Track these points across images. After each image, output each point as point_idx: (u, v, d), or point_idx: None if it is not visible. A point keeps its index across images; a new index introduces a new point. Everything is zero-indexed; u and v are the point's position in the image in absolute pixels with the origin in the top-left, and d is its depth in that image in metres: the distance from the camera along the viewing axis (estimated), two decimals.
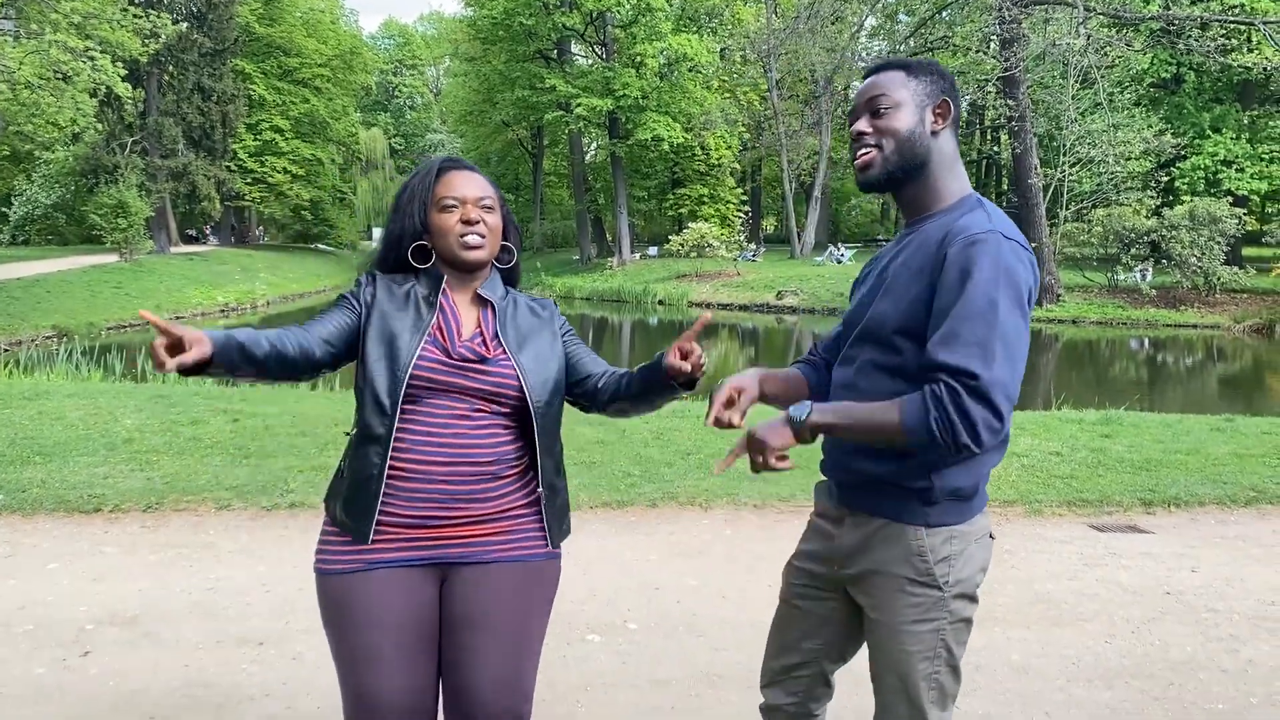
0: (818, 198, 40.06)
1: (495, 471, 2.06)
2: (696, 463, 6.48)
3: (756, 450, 1.93)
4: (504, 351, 2.09)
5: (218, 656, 3.57)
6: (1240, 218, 25.71)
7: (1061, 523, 5.54)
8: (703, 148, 43.58)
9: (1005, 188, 37.08)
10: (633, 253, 42.03)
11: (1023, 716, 3.25)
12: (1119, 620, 4.11)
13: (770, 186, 51.77)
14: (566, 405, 2.24)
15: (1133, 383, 16.93)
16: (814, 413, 1.88)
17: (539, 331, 2.17)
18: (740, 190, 48.14)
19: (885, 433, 1.81)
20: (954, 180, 1.99)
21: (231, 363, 1.86)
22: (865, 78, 2.03)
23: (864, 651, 2.15)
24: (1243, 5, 28.30)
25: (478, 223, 2.10)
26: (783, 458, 1.92)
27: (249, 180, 43.54)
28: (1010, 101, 25.92)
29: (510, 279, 2.26)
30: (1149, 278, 27.03)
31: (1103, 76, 27.81)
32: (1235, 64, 25.94)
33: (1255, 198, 34.37)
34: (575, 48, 43.84)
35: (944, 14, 32.90)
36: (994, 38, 27.77)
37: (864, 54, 40.61)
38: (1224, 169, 32.20)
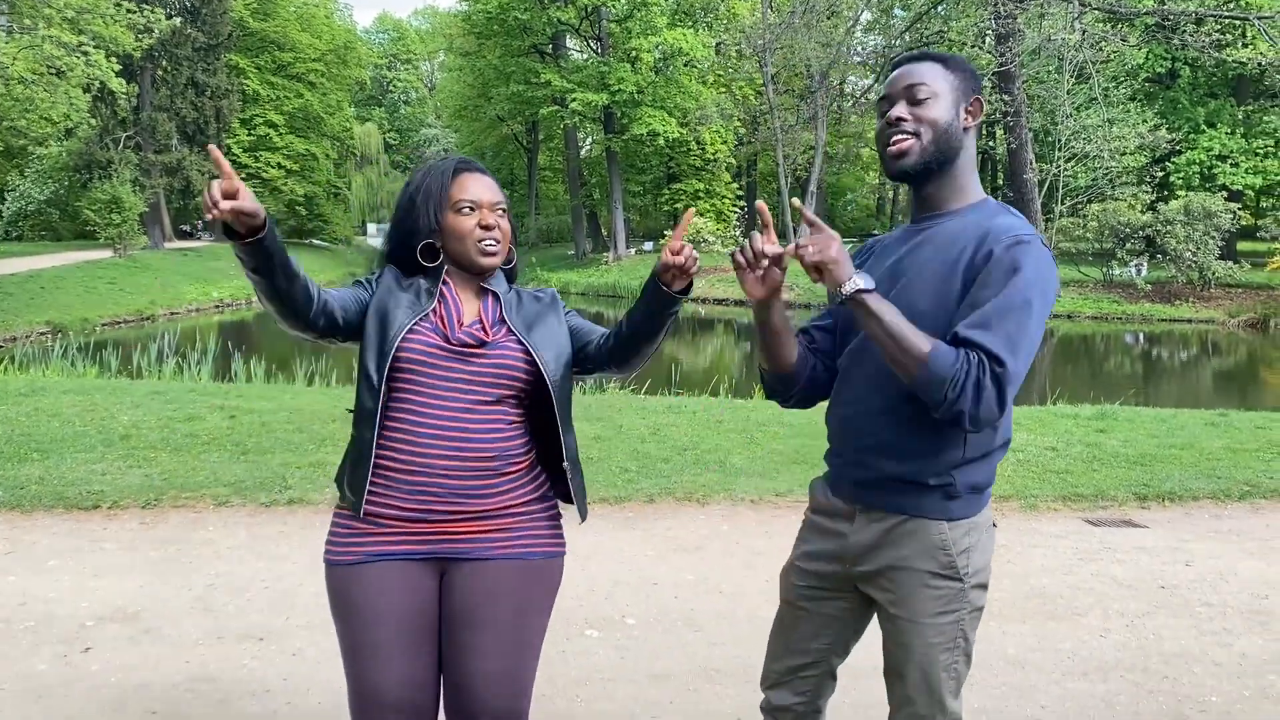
0: (813, 192, 40.02)
1: (498, 468, 2.07)
2: (693, 458, 6.51)
3: (821, 248, 1.82)
4: (509, 335, 2.10)
5: (219, 652, 3.59)
6: (1235, 212, 25.75)
7: (1057, 517, 5.57)
8: (698, 143, 43.53)
9: (1000, 183, 37.11)
10: (628, 248, 42.01)
11: (1018, 710, 3.28)
12: (1113, 614, 4.14)
13: (766, 181, 51.72)
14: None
15: (1128, 378, 16.99)
16: (875, 290, 1.82)
17: (544, 315, 2.19)
18: (736, 185, 48.11)
19: (908, 354, 1.77)
20: (973, 180, 2.01)
21: (273, 251, 1.82)
22: (897, 66, 2.01)
23: (863, 646, 2.17)
24: (1237, 1, 28.34)
25: (494, 228, 2.12)
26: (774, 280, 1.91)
27: (243, 175, 43.16)
28: (1006, 97, 25.97)
29: (510, 277, 2.29)
30: (1144, 273, 27.09)
31: (1098, 71, 27.86)
32: (1230, 59, 26.01)
33: (1250, 192, 34.43)
34: (570, 42, 43.78)
35: (939, 9, 32.94)
36: (989, 33, 27.80)
37: (859, 49, 40.64)
38: (1219, 164, 32.28)
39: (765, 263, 1.90)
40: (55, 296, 22.21)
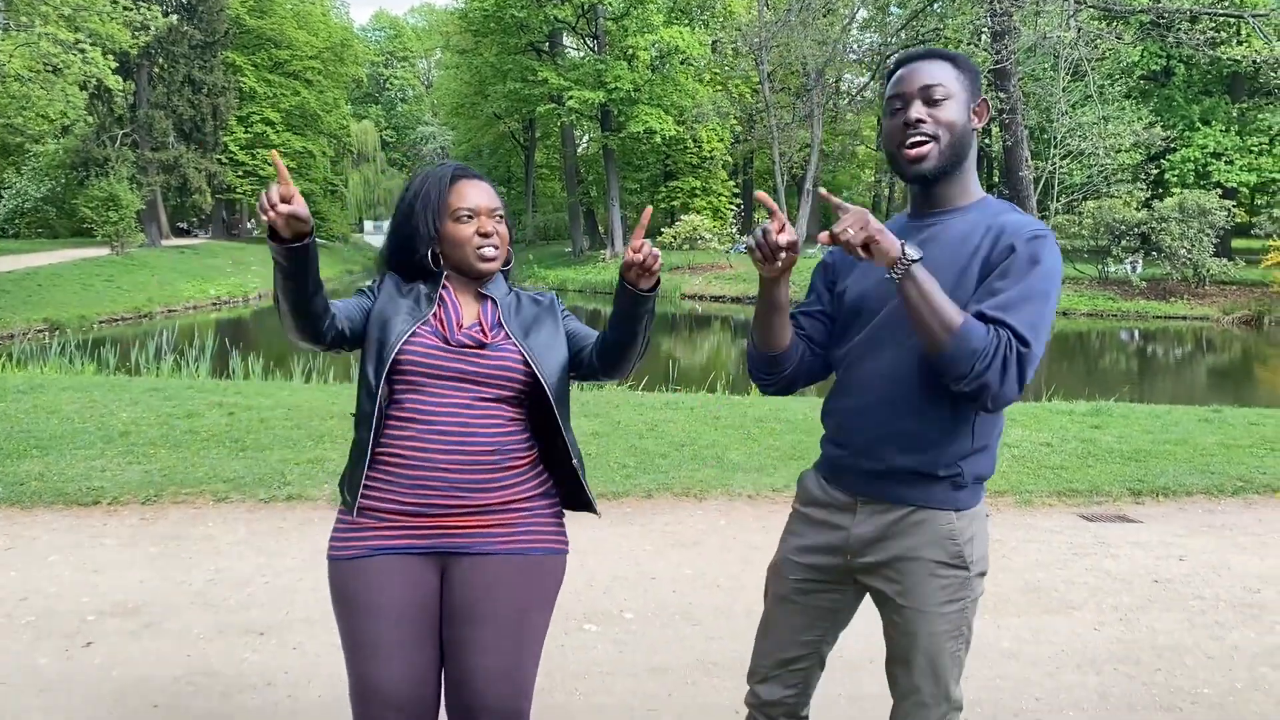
0: (809, 190, 40.07)
1: (498, 462, 2.09)
2: (691, 454, 6.54)
3: (861, 224, 1.78)
4: (506, 338, 2.13)
5: (219, 646, 3.62)
6: (1229, 210, 25.81)
7: (1052, 513, 5.61)
8: (695, 140, 43.55)
9: (996, 180, 37.17)
10: (625, 245, 41.97)
11: (1013, 701, 3.32)
12: (1108, 608, 4.18)
13: (762, 179, 51.76)
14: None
15: (1123, 374, 17.04)
16: (920, 262, 1.82)
17: (542, 319, 2.22)
18: (732, 183, 48.13)
19: (944, 323, 1.77)
20: (974, 177, 2.05)
21: (310, 258, 1.90)
22: (905, 63, 2.00)
23: (858, 639, 2.19)
24: None
25: (492, 235, 2.15)
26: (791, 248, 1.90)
27: (240, 173, 43.39)
28: (1001, 94, 25.98)
29: (507, 277, 2.31)
30: (1139, 270, 27.15)
31: (1093, 69, 27.91)
32: (1224, 57, 26.06)
33: (1244, 190, 34.52)
34: (567, 40, 43.77)
35: (935, 6, 32.94)
36: (985, 30, 27.82)
37: (855, 46, 40.65)
38: (1213, 161, 32.34)
39: (783, 255, 1.92)
40: (52, 294, 22.19)
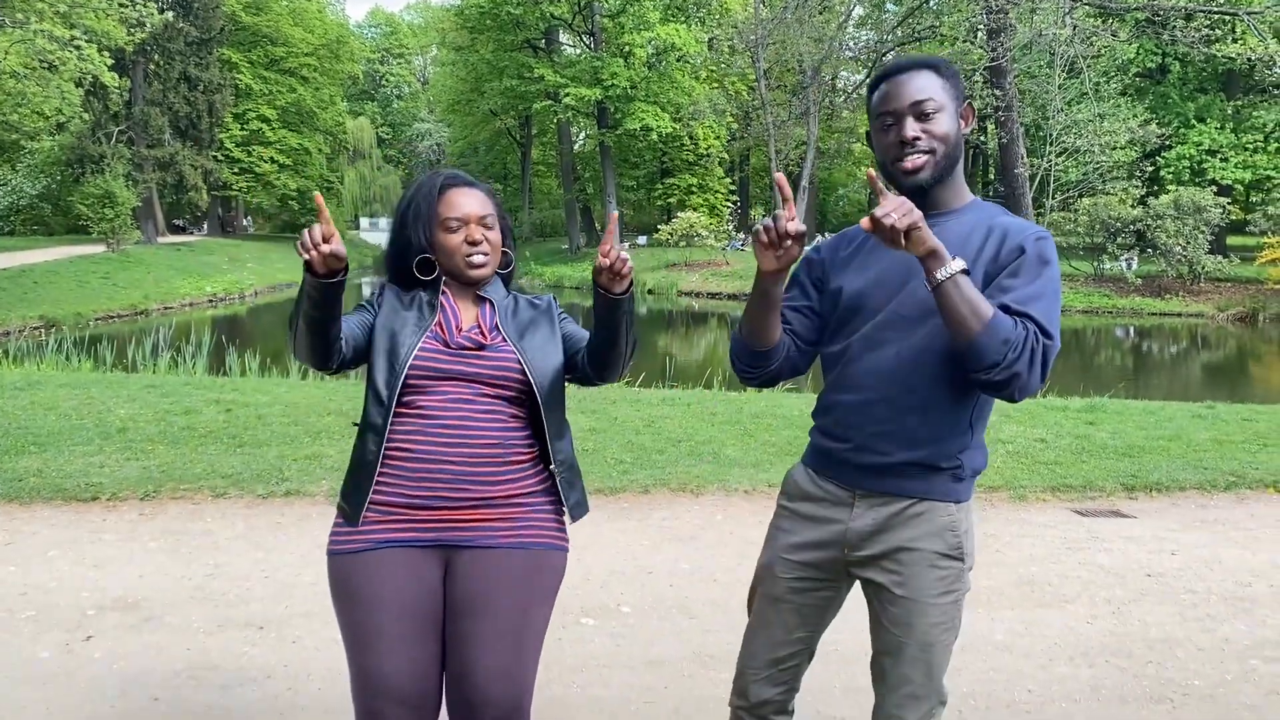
0: (805, 187, 40.07)
1: (501, 455, 2.11)
2: (687, 450, 6.57)
3: (905, 211, 1.78)
4: (503, 341, 2.16)
5: (219, 640, 3.64)
6: (1224, 207, 25.86)
7: (1046, 508, 5.65)
8: (691, 137, 43.58)
9: (992, 177, 37.23)
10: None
11: (1006, 693, 3.35)
12: (1100, 601, 4.21)
13: (758, 176, 51.81)
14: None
15: (1117, 371, 17.09)
16: (960, 267, 1.83)
17: (538, 322, 2.25)
18: (729, 180, 48.17)
19: (976, 313, 1.80)
20: (963, 179, 2.08)
21: (339, 293, 1.96)
22: (888, 75, 2.02)
23: (854, 632, 2.22)
24: None
25: (481, 242, 2.18)
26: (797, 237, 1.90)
27: (236, 170, 43.35)
28: (997, 91, 25.98)
29: (507, 281, 2.34)
30: (1134, 267, 27.21)
31: (1089, 66, 27.93)
32: (1219, 54, 26.07)
33: (1239, 187, 34.59)
34: (563, 37, 43.76)
35: (931, 3, 32.98)
36: (981, 27, 27.84)
37: (851, 44, 40.66)
38: (1208, 158, 32.40)
39: (789, 243, 1.92)
40: (48, 291, 22.16)
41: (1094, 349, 20.80)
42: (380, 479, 2.09)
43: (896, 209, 1.77)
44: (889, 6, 39.63)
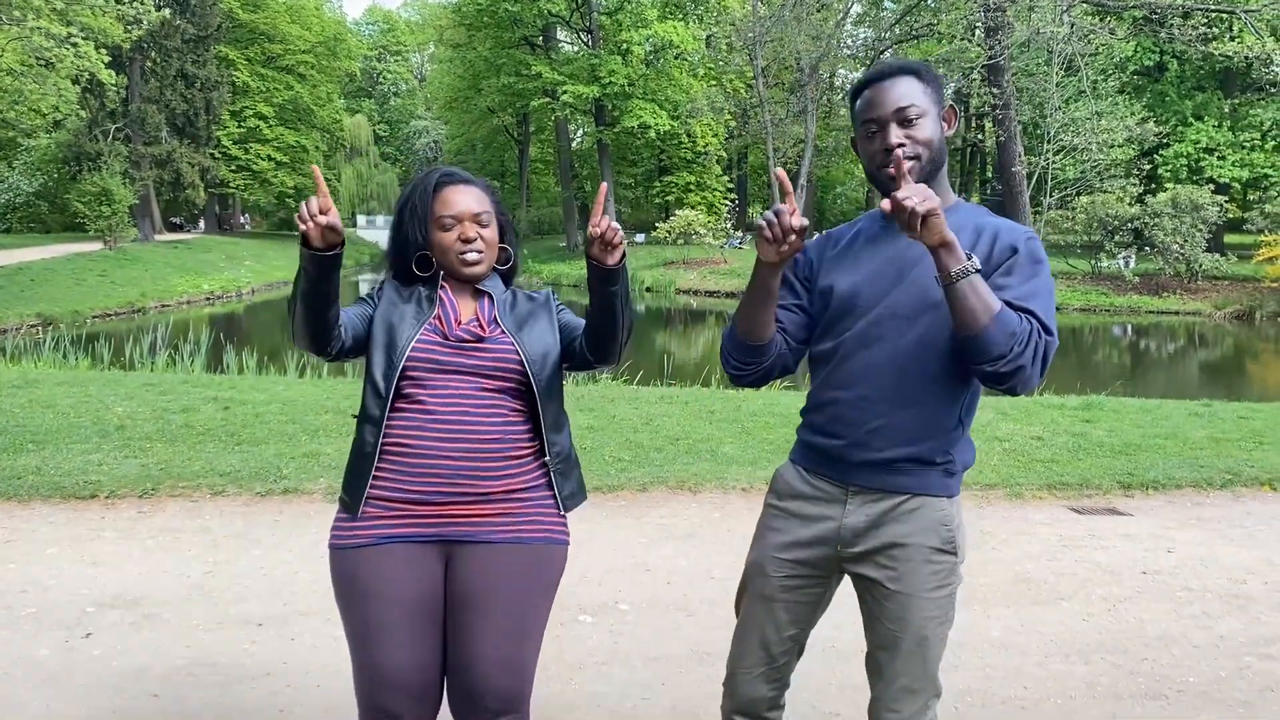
0: (803, 185, 40.06)
1: (502, 450, 2.13)
2: (685, 448, 6.58)
3: (925, 197, 1.78)
4: (501, 332, 2.17)
5: (218, 637, 3.65)
6: (1222, 205, 25.92)
7: (1042, 505, 5.66)
8: (689, 135, 43.54)
9: (989, 175, 37.27)
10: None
11: (1002, 690, 3.37)
12: (1096, 599, 4.23)
13: (756, 174, 51.77)
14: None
15: (1114, 369, 17.11)
16: (977, 266, 1.84)
17: (536, 314, 2.26)
18: (726, 178, 48.15)
19: (985, 306, 1.81)
20: (947, 180, 2.10)
21: (336, 267, 1.99)
22: (870, 82, 2.02)
23: (850, 628, 2.23)
24: None
25: (475, 240, 2.19)
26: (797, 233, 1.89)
27: (233, 167, 43.28)
28: (995, 89, 26.05)
29: (508, 277, 2.34)
30: (1132, 265, 27.26)
31: (1086, 64, 27.98)
32: (1217, 52, 26.11)
33: (1237, 185, 34.68)
34: (561, 34, 43.75)
35: (929, 1, 32.97)
36: (979, 25, 27.88)
37: (849, 42, 40.65)
38: (1206, 157, 32.48)
39: (793, 237, 1.92)
40: (45, 289, 22.14)
41: (1091, 347, 20.83)
42: (381, 474, 2.11)
43: (917, 194, 1.79)
44: (886, 4, 39.63)
